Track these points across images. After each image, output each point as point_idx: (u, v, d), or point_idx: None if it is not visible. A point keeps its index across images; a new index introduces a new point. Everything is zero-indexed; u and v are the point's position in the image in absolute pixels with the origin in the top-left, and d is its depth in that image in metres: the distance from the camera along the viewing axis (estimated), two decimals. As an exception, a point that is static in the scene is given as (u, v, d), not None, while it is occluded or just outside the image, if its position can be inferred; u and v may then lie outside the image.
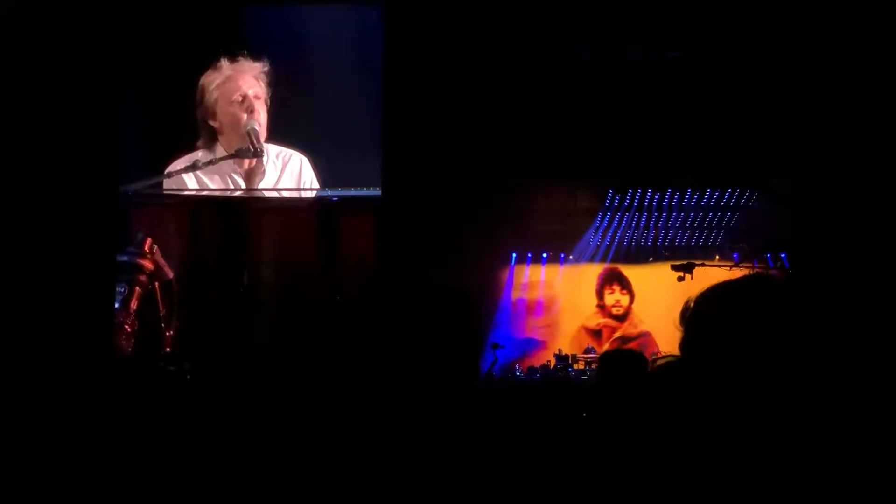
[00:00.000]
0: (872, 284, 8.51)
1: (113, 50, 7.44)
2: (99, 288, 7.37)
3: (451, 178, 10.31)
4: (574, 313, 11.83)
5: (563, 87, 10.16)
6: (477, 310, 2.34)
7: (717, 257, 11.11)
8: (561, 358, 10.83)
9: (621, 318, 11.69)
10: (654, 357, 8.87)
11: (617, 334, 11.60)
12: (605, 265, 11.82)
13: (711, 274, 9.93)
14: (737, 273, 10.18)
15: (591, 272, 11.83)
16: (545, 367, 10.76)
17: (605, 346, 11.24)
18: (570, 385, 9.61)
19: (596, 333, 11.70)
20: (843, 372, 1.92)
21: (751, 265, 10.29)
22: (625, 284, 11.74)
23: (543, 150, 10.19)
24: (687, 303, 2.11)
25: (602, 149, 10.23)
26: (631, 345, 11.19)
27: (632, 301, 11.69)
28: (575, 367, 10.64)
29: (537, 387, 9.72)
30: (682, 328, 2.10)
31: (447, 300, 2.21)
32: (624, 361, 4.24)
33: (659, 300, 11.40)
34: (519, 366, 10.94)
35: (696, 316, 2.06)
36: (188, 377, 5.92)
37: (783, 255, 10.92)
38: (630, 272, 11.77)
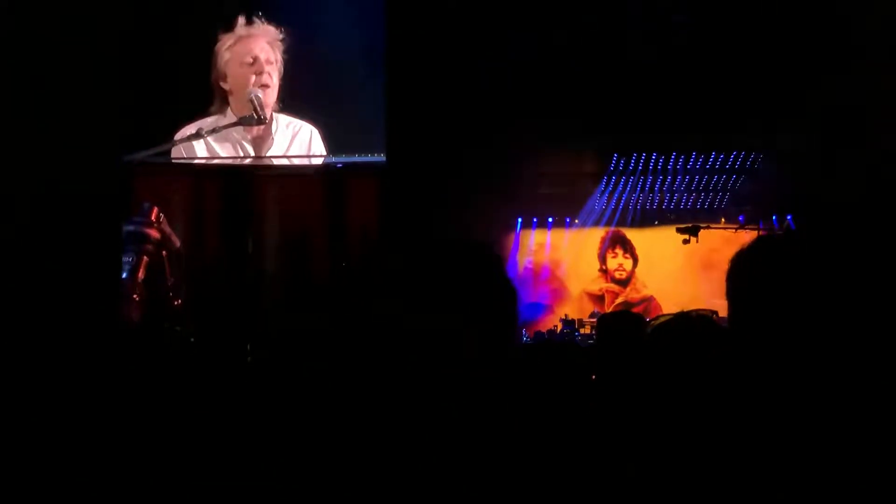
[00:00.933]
0: (878, 248, 8.46)
1: (115, 9, 7.45)
2: (104, 258, 7.43)
3: (456, 144, 10.31)
4: (578, 277, 11.85)
5: (568, 51, 10.12)
6: (502, 264, 2.21)
7: (723, 220, 11.10)
8: (567, 322, 10.86)
9: (624, 282, 11.71)
10: (651, 319, 8.89)
11: (620, 299, 11.63)
12: (609, 229, 11.81)
13: (717, 235, 9.98)
14: (745, 235, 10.19)
15: (595, 236, 11.83)
16: (552, 331, 10.81)
17: (608, 311, 11.18)
18: (578, 348, 9.63)
19: (598, 298, 11.74)
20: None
21: (756, 227, 10.27)
22: (627, 248, 11.75)
23: (548, 115, 10.17)
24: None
25: (607, 113, 10.20)
26: (634, 310, 11.18)
27: (635, 265, 11.69)
28: (581, 331, 10.67)
29: (544, 349, 9.74)
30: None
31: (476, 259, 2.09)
32: (621, 324, 4.27)
33: (663, 264, 11.41)
34: (525, 330, 10.97)
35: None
36: (192, 340, 5.95)
37: (789, 217, 10.90)
38: (633, 236, 11.76)
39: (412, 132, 9.92)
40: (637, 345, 3.83)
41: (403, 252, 2.11)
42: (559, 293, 11.82)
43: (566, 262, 11.89)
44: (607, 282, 11.79)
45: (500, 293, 2.02)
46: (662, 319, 2.25)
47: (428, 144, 10.23)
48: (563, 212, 11.73)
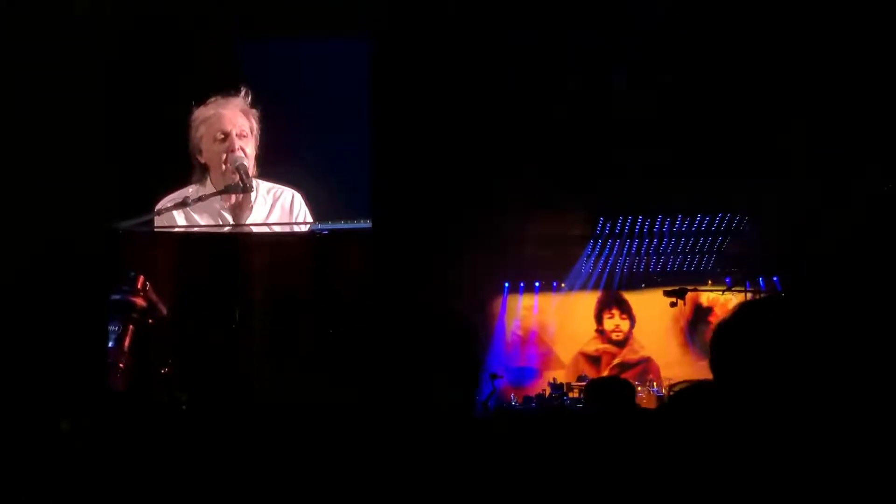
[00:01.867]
0: (867, 298, 8.49)
1: (98, 90, 7.50)
2: (92, 326, 7.42)
3: (442, 209, 10.33)
4: (571, 340, 11.79)
5: (551, 114, 10.18)
6: (476, 336, 2.32)
7: (710, 282, 11.13)
8: (556, 386, 10.80)
9: (621, 343, 11.65)
10: (669, 386, 8.83)
11: (616, 360, 11.56)
12: (604, 291, 11.80)
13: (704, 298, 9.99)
14: (731, 298, 10.23)
15: (589, 297, 11.80)
16: (540, 396, 10.75)
17: (605, 373, 11.18)
18: (568, 413, 9.59)
19: (595, 360, 11.65)
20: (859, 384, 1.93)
21: (743, 289, 10.31)
22: (624, 309, 11.71)
23: (533, 179, 10.21)
24: (718, 326, 2.10)
25: (592, 176, 10.25)
26: (632, 371, 11.11)
27: (632, 326, 11.64)
28: (570, 395, 10.62)
29: (534, 416, 9.67)
30: (711, 352, 2.09)
31: (446, 327, 2.19)
32: (610, 389, 4.24)
33: (660, 325, 11.36)
34: (514, 395, 10.92)
35: (727, 339, 2.05)
36: (183, 408, 5.91)
37: (775, 279, 10.94)
38: (630, 297, 11.73)
39: (397, 197, 9.95)
40: (628, 409, 3.82)
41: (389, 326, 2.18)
42: (547, 357, 11.77)
43: (558, 323, 11.84)
44: (604, 343, 11.72)
45: (465, 365, 2.11)
46: (680, 387, 2.26)
47: (413, 209, 10.25)
48: (549, 275, 11.73)
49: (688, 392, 2.59)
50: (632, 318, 11.64)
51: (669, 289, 9.89)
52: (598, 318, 11.74)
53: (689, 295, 9.89)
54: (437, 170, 10.13)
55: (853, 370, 1.90)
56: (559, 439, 3.26)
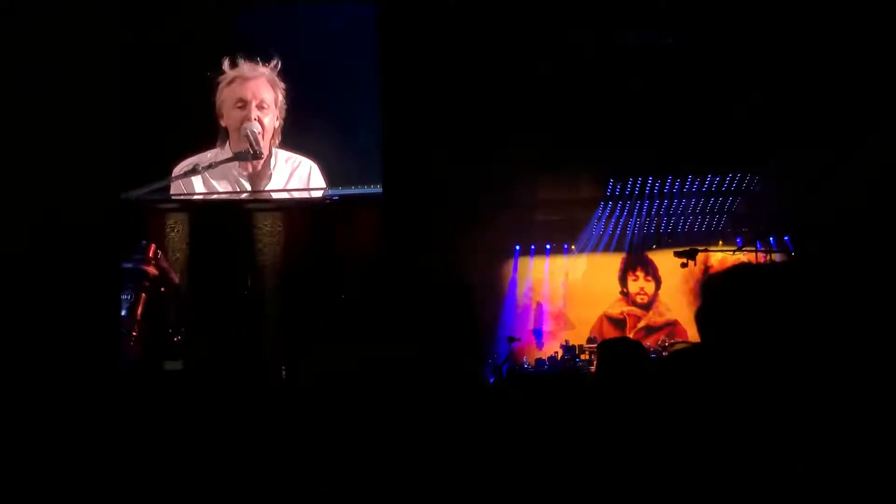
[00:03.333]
0: (875, 265, 8.51)
1: (113, 55, 7.48)
2: (103, 295, 7.44)
3: (452, 173, 10.32)
4: (584, 302, 11.72)
5: (561, 77, 10.14)
6: (473, 301, 2.32)
7: (721, 242, 11.09)
8: (568, 349, 10.83)
9: (646, 306, 11.59)
10: (671, 343, 8.79)
11: (641, 323, 11.52)
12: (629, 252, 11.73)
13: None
14: (742, 258, 10.20)
15: (600, 260, 11.72)
16: (552, 358, 10.78)
17: (631, 336, 11.07)
18: (580, 374, 9.63)
19: (619, 322, 11.61)
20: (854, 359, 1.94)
21: (754, 249, 10.27)
22: (649, 270, 11.65)
23: (544, 141, 10.19)
24: (708, 280, 2.12)
25: (602, 137, 10.22)
26: (657, 334, 11.04)
27: (658, 288, 11.58)
28: (581, 357, 10.64)
29: (546, 378, 9.73)
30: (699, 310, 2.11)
31: (445, 293, 2.20)
32: (621, 350, 4.24)
33: (686, 288, 11.23)
34: (526, 358, 10.95)
35: (716, 297, 2.06)
36: (192, 375, 5.94)
37: (787, 238, 10.89)
38: (657, 258, 11.64)
39: (409, 162, 9.94)
40: (637, 371, 3.82)
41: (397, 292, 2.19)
42: (559, 319, 11.77)
43: (570, 285, 11.77)
44: (628, 305, 11.65)
45: (462, 327, 2.12)
46: (679, 346, 2.27)
47: (424, 174, 10.24)
48: (560, 238, 11.69)
49: (685, 353, 2.60)
50: (657, 281, 11.52)
51: (680, 249, 9.87)
52: (623, 280, 11.63)
53: (700, 255, 9.85)
54: (446, 134, 10.11)
55: (839, 334, 1.91)
56: (570, 400, 3.28)
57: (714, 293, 2.06)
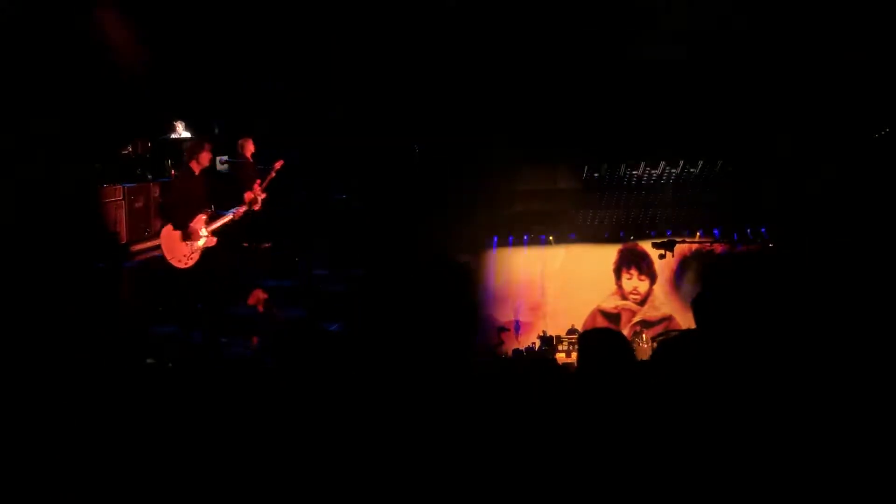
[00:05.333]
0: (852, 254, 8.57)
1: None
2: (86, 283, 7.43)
3: (430, 166, 10.34)
4: (564, 293, 11.68)
5: (539, 69, 10.15)
6: (472, 282, 2.31)
7: (699, 234, 11.11)
8: (545, 339, 10.85)
9: (641, 302, 11.59)
10: (654, 337, 8.74)
11: (637, 318, 11.51)
12: (625, 244, 11.71)
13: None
14: (719, 248, 10.24)
15: (598, 251, 11.71)
16: (530, 348, 10.81)
17: (626, 331, 11.14)
18: (556, 365, 9.64)
19: (613, 317, 11.61)
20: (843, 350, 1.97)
21: (731, 240, 10.31)
22: (643, 268, 11.61)
23: (520, 135, 10.20)
24: (704, 267, 2.15)
25: (579, 129, 10.24)
26: (653, 330, 11.00)
27: (652, 283, 11.56)
28: (560, 347, 10.67)
29: (524, 367, 9.71)
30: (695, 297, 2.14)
31: (442, 274, 2.18)
32: (603, 341, 4.25)
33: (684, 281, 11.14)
34: (504, 348, 10.97)
35: (712, 286, 2.09)
36: (169, 366, 5.94)
37: (762, 230, 10.94)
38: (653, 251, 11.56)
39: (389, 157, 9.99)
40: (621, 361, 3.83)
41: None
42: (538, 310, 11.77)
43: (550, 276, 11.73)
44: (623, 300, 11.63)
45: (460, 308, 2.11)
46: (664, 337, 2.30)
47: (402, 166, 10.27)
48: (538, 229, 11.68)
49: (673, 341, 2.62)
50: (652, 277, 11.46)
51: (658, 241, 9.89)
52: (618, 275, 11.61)
53: (678, 247, 9.89)
54: (424, 128, 10.12)
55: (832, 318, 1.94)
56: (545, 389, 3.29)
57: (713, 281, 2.09)
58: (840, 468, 1.86)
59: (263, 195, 9.20)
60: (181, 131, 11.18)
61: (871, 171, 9.77)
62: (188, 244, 8.50)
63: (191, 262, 8.59)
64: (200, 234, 8.58)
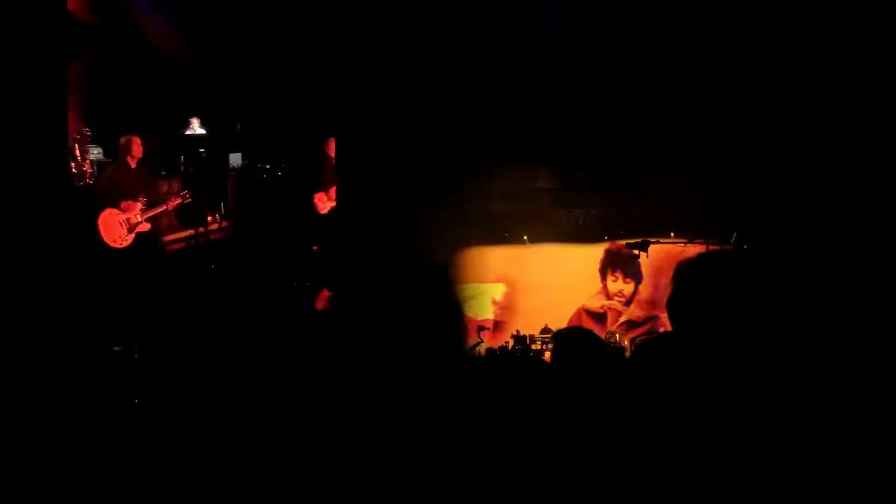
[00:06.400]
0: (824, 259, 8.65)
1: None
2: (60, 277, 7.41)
3: (405, 166, 10.32)
4: (539, 293, 11.65)
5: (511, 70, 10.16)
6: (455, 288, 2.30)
7: (672, 234, 11.11)
8: (519, 339, 10.84)
9: (626, 303, 11.53)
10: (631, 339, 8.81)
11: (623, 318, 11.45)
12: (611, 244, 11.62)
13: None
14: (694, 250, 10.27)
15: (562, 251, 11.73)
16: (503, 347, 10.80)
17: (614, 331, 11.13)
18: (533, 361, 9.65)
19: (600, 317, 11.53)
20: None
21: (705, 241, 10.32)
22: (628, 272, 11.53)
23: (497, 134, 10.21)
24: (678, 267, 2.15)
25: (557, 129, 10.25)
26: (639, 330, 10.97)
27: (637, 285, 11.51)
28: (533, 346, 10.66)
29: (500, 365, 9.70)
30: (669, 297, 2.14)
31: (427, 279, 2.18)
32: (576, 340, 4.27)
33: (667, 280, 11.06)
34: (472, 349, 10.95)
35: (685, 287, 2.09)
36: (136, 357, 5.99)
37: (735, 232, 10.93)
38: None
39: (360, 153, 9.97)
40: (595, 361, 3.85)
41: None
42: (510, 310, 11.74)
43: (526, 276, 11.72)
44: (609, 299, 11.58)
45: (445, 311, 2.10)
46: (641, 339, 2.31)
47: (378, 164, 10.26)
48: (515, 229, 11.64)
49: (650, 342, 2.63)
50: (638, 278, 11.41)
51: (632, 241, 9.89)
52: (603, 275, 11.57)
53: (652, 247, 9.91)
54: (399, 127, 10.11)
55: (806, 320, 1.94)
56: (520, 388, 3.29)
57: (685, 281, 2.09)
58: (812, 468, 1.87)
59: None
60: (196, 128, 11.54)
61: (851, 173, 9.85)
62: (123, 226, 9.85)
63: (125, 244, 9.92)
64: (136, 218, 9.96)
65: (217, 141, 11.64)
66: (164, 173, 11.40)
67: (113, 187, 10.11)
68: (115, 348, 7.24)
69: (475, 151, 10.43)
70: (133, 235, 10.05)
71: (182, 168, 11.53)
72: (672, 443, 1.97)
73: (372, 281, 2.16)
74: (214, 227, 11.57)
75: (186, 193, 10.57)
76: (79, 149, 9.77)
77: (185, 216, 11.03)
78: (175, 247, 11.10)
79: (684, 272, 2.11)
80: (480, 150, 10.41)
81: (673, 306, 2.11)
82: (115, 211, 9.94)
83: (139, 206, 10.14)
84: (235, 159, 11.77)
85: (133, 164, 10.14)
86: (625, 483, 2.00)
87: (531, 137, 10.27)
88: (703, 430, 1.93)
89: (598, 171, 11.19)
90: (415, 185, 10.51)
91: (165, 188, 11.21)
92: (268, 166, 11.40)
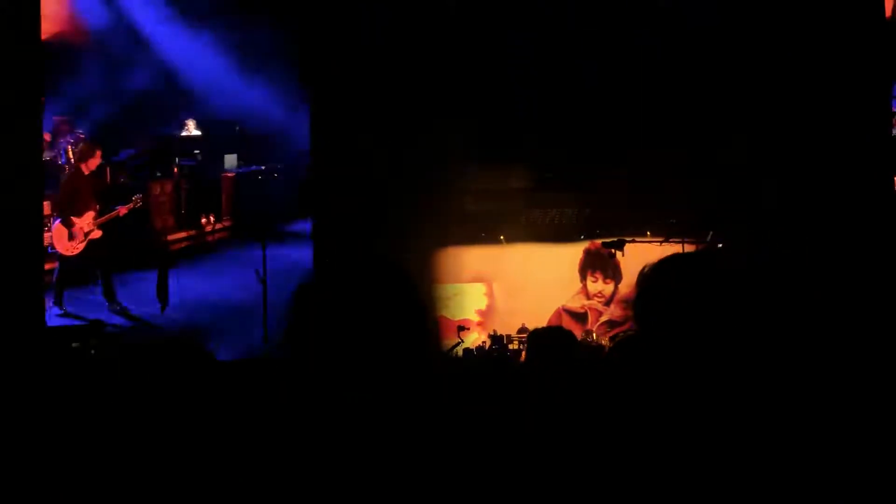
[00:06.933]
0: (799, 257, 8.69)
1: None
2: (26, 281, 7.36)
3: (382, 164, 10.31)
4: (516, 293, 11.61)
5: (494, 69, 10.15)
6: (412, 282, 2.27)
7: (649, 233, 11.10)
8: (496, 338, 10.82)
9: (606, 303, 11.48)
10: (610, 337, 8.82)
11: (604, 318, 11.39)
12: (590, 243, 11.55)
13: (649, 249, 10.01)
14: (670, 248, 10.29)
15: (539, 250, 11.70)
16: (480, 348, 10.78)
17: (593, 331, 11.18)
18: (509, 363, 9.66)
19: (580, 317, 11.46)
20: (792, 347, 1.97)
21: (681, 240, 10.32)
22: (608, 273, 11.46)
23: (472, 133, 10.20)
24: (643, 269, 2.15)
25: (532, 128, 10.25)
26: (619, 329, 10.91)
27: (617, 285, 11.43)
28: (510, 346, 10.65)
29: (476, 366, 9.72)
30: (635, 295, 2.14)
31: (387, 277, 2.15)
32: (551, 340, 4.26)
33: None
34: (451, 349, 10.92)
35: (648, 288, 2.09)
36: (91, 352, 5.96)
37: (711, 231, 10.94)
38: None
39: (337, 152, 9.95)
40: (568, 360, 3.84)
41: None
42: (486, 309, 11.70)
43: (502, 276, 11.69)
44: (589, 299, 11.52)
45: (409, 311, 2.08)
46: (620, 337, 2.31)
47: (354, 165, 10.24)
48: (491, 228, 11.60)
49: (627, 341, 2.63)
50: (617, 278, 11.33)
51: (608, 240, 9.88)
52: (582, 276, 11.52)
53: (628, 245, 9.89)
54: (376, 125, 10.09)
55: (769, 322, 1.94)
56: (498, 390, 3.28)
57: (645, 284, 2.09)
58: (779, 465, 1.86)
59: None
60: (192, 130, 11.75)
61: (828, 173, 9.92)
62: (77, 236, 10.22)
63: (76, 251, 10.36)
64: (85, 229, 10.35)
65: (212, 142, 11.80)
66: (158, 175, 11.68)
67: (68, 197, 10.54)
68: (73, 345, 7.29)
69: (448, 151, 10.40)
70: (84, 243, 10.47)
71: (175, 170, 11.74)
72: (640, 442, 1.95)
73: (342, 280, 2.12)
74: (209, 228, 11.75)
75: (138, 198, 10.88)
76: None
77: (180, 218, 11.36)
78: (174, 247, 11.40)
79: (647, 276, 2.11)
80: (453, 149, 10.38)
81: (636, 309, 2.10)
82: (68, 220, 10.38)
83: (92, 214, 10.52)
84: (231, 161, 11.93)
85: (86, 172, 10.52)
86: (595, 482, 1.98)
87: (503, 137, 10.25)
88: (671, 431, 1.91)
89: (570, 171, 11.16)
90: (388, 185, 10.48)
91: (158, 190, 11.53)
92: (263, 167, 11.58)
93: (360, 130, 10.00)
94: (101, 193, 10.93)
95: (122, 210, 10.77)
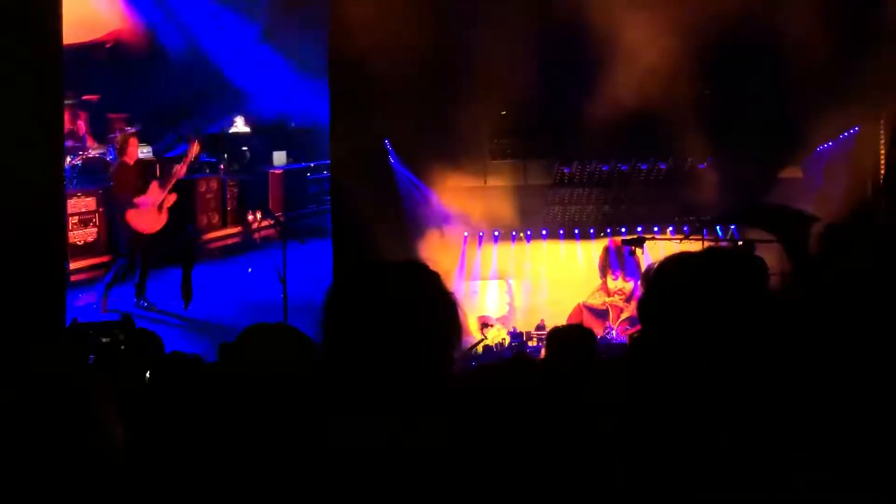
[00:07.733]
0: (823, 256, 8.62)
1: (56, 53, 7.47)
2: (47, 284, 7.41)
3: (402, 160, 10.32)
4: (535, 290, 11.58)
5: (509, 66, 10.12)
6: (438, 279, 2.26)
7: (669, 230, 11.08)
8: (515, 335, 10.82)
9: (626, 300, 11.44)
10: (630, 334, 8.82)
11: (625, 314, 11.36)
12: (610, 240, 11.56)
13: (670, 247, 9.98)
14: (688, 245, 10.25)
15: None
16: (500, 345, 10.77)
17: (615, 327, 11.20)
18: (528, 362, 9.62)
19: (601, 314, 11.46)
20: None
21: (701, 237, 10.29)
22: (628, 270, 11.42)
23: (489, 130, 10.20)
24: (649, 267, 2.14)
25: (548, 126, 10.24)
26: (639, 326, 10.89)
27: (637, 282, 11.32)
28: (529, 343, 10.64)
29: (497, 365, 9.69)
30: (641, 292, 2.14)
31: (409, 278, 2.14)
32: (570, 338, 4.25)
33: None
34: (474, 346, 10.92)
35: (657, 285, 2.08)
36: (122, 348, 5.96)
37: (733, 227, 10.91)
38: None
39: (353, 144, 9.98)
40: (588, 358, 3.83)
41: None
42: (509, 306, 11.69)
43: (522, 273, 11.69)
44: (610, 296, 11.50)
45: (438, 306, 2.07)
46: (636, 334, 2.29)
47: (373, 158, 10.26)
48: (508, 226, 11.58)
49: (636, 341, 2.61)
50: (636, 276, 11.24)
51: (628, 238, 9.85)
52: (602, 273, 11.51)
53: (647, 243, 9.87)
54: (393, 120, 10.10)
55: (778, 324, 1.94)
56: (518, 389, 3.27)
57: (650, 284, 2.08)
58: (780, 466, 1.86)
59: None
60: (241, 127, 11.81)
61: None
62: (151, 210, 10.18)
63: (162, 224, 10.33)
64: (158, 200, 10.24)
65: (261, 139, 11.86)
66: (207, 171, 11.71)
67: (122, 185, 10.37)
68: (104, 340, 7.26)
69: (471, 147, 10.42)
70: (165, 213, 10.46)
71: (222, 167, 11.77)
72: (648, 444, 1.95)
73: (364, 278, 2.13)
74: (255, 226, 11.73)
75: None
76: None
77: (226, 215, 11.33)
78: (217, 244, 11.39)
79: (652, 275, 2.10)
80: (476, 145, 10.40)
81: (641, 309, 2.10)
82: (134, 203, 10.24)
83: (156, 183, 10.41)
84: (280, 157, 11.99)
85: (131, 162, 10.31)
86: (609, 483, 1.98)
87: (519, 135, 10.26)
88: (676, 431, 1.91)
89: (589, 168, 11.17)
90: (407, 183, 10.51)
91: (204, 187, 11.47)
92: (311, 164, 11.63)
93: (376, 128, 10.03)
94: (153, 172, 10.91)
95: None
